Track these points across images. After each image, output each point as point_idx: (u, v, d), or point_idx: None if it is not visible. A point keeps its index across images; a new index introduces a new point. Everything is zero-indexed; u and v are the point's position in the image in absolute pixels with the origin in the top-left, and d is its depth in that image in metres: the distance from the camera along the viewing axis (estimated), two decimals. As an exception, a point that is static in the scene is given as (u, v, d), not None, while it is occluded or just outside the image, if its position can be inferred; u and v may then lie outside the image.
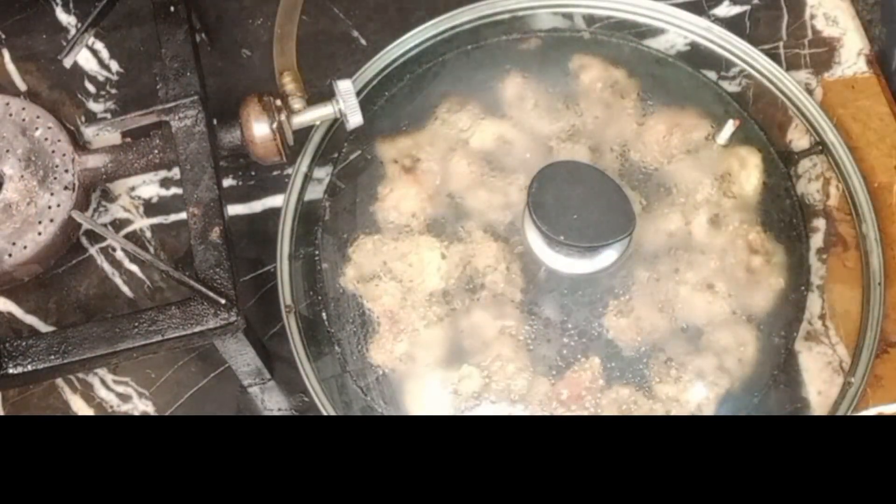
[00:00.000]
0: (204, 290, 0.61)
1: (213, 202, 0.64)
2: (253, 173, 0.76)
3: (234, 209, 0.75)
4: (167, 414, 0.70)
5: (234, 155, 0.70)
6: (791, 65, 0.78)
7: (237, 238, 0.73)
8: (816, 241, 0.73)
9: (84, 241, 0.74)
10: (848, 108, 0.76)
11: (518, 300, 0.67)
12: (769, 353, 0.67)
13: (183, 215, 0.73)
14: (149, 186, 0.76)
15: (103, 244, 0.74)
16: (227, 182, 0.75)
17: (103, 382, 0.71)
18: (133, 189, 0.76)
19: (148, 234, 0.74)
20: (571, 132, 0.72)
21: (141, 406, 0.70)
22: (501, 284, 0.67)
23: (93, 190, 0.74)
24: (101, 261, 0.74)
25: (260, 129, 0.68)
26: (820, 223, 0.73)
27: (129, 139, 0.75)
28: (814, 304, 0.71)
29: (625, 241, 0.67)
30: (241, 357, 0.67)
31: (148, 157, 0.69)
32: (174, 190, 0.75)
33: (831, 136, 0.74)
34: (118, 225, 0.75)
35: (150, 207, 0.75)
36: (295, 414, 0.70)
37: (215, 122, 0.69)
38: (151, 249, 0.74)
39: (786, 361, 0.68)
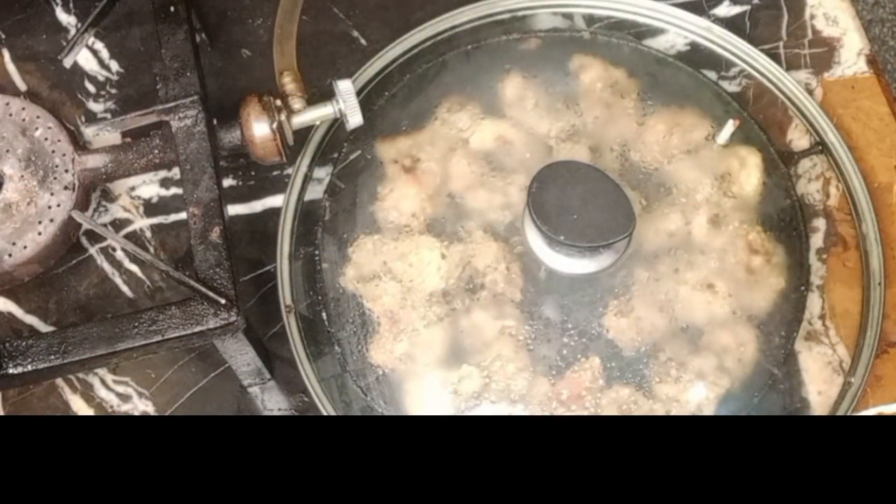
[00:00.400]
0: (204, 290, 0.61)
1: (213, 202, 0.64)
2: (253, 173, 0.76)
3: (234, 209, 0.75)
4: (167, 414, 0.70)
5: (234, 155, 0.70)
6: (791, 65, 0.78)
7: (237, 238, 0.73)
8: (816, 241, 0.73)
9: (84, 241, 0.74)
10: (848, 108, 0.76)
11: (518, 300, 0.67)
12: (769, 353, 0.67)
13: (183, 215, 0.73)
14: (149, 186, 0.76)
15: (103, 244, 0.74)
16: (227, 182, 0.75)
17: (103, 382, 0.71)
18: (133, 189, 0.76)
19: (148, 234, 0.74)
20: (571, 132, 0.72)
21: (141, 406, 0.70)
22: (501, 284, 0.67)
23: (93, 190, 0.74)
24: (101, 261, 0.74)
25: (260, 129, 0.68)
26: (820, 223, 0.73)
27: (129, 139, 0.75)
28: (814, 304, 0.71)
29: (625, 241, 0.67)
30: (241, 357, 0.67)
31: (148, 157, 0.69)
32: (174, 190, 0.75)
33: (831, 136, 0.74)
34: (118, 225, 0.75)
35: (150, 207, 0.75)
36: (295, 414, 0.70)
37: (215, 122, 0.69)
38: (151, 249, 0.74)
39: (786, 361, 0.68)
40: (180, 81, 0.68)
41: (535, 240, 0.68)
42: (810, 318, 0.71)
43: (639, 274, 0.68)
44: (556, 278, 0.68)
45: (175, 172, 0.74)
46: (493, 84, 0.74)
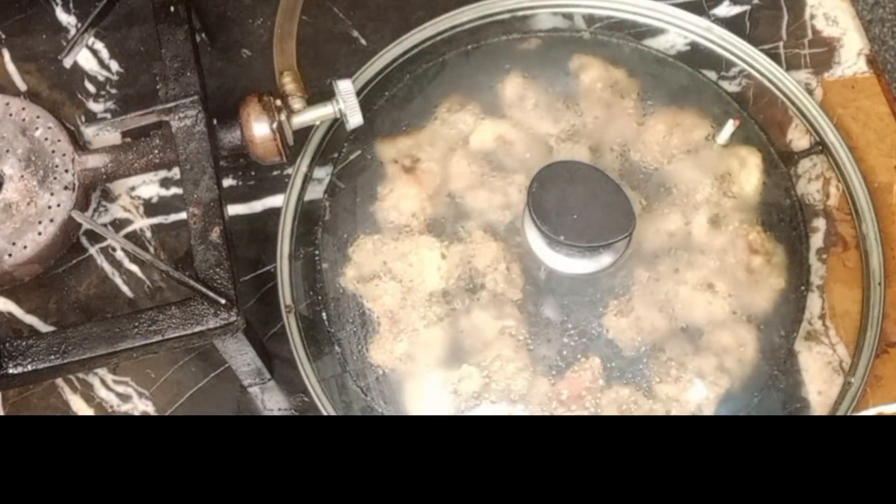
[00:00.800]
0: (204, 290, 0.61)
1: (213, 202, 0.64)
2: (253, 173, 0.76)
3: (234, 209, 0.75)
4: (167, 414, 0.70)
5: (234, 155, 0.70)
6: (791, 65, 0.78)
7: (237, 238, 0.73)
8: (816, 241, 0.73)
9: (84, 241, 0.74)
10: (848, 108, 0.76)
11: (518, 300, 0.67)
12: (769, 353, 0.67)
13: (183, 215, 0.73)
14: (149, 186, 0.76)
15: (103, 244, 0.74)
16: (227, 182, 0.75)
17: (103, 382, 0.71)
18: (133, 189, 0.76)
19: (148, 234, 0.74)
20: (571, 132, 0.72)
21: (141, 406, 0.70)
22: (501, 284, 0.67)
23: (93, 190, 0.74)
24: (101, 261, 0.74)
25: (260, 129, 0.68)
26: (820, 223, 0.73)
27: (129, 139, 0.75)
28: (814, 304, 0.71)
29: (625, 241, 0.67)
30: (241, 357, 0.67)
31: (148, 157, 0.69)
32: (174, 190, 0.75)
33: (831, 136, 0.74)
34: (118, 225, 0.75)
35: (150, 207, 0.75)
36: (295, 414, 0.70)
37: (215, 122, 0.69)
38: (151, 249, 0.74)
39: (786, 361, 0.68)
40: (180, 81, 0.68)
41: (535, 240, 0.68)
42: (810, 318, 0.71)
43: (639, 274, 0.68)
44: (556, 278, 0.68)
45: (175, 172, 0.74)
46: (493, 84, 0.74)
